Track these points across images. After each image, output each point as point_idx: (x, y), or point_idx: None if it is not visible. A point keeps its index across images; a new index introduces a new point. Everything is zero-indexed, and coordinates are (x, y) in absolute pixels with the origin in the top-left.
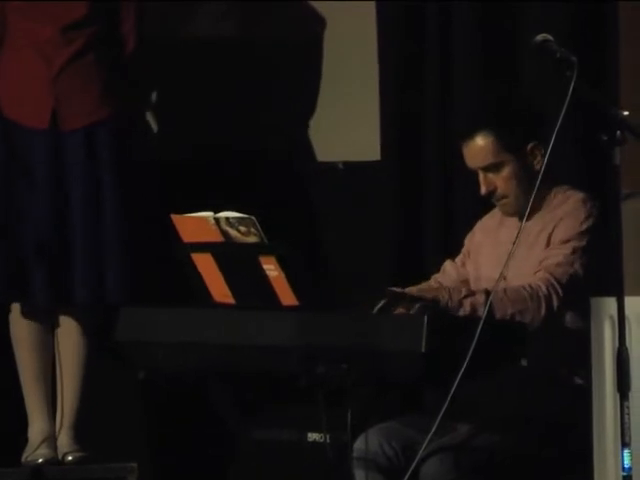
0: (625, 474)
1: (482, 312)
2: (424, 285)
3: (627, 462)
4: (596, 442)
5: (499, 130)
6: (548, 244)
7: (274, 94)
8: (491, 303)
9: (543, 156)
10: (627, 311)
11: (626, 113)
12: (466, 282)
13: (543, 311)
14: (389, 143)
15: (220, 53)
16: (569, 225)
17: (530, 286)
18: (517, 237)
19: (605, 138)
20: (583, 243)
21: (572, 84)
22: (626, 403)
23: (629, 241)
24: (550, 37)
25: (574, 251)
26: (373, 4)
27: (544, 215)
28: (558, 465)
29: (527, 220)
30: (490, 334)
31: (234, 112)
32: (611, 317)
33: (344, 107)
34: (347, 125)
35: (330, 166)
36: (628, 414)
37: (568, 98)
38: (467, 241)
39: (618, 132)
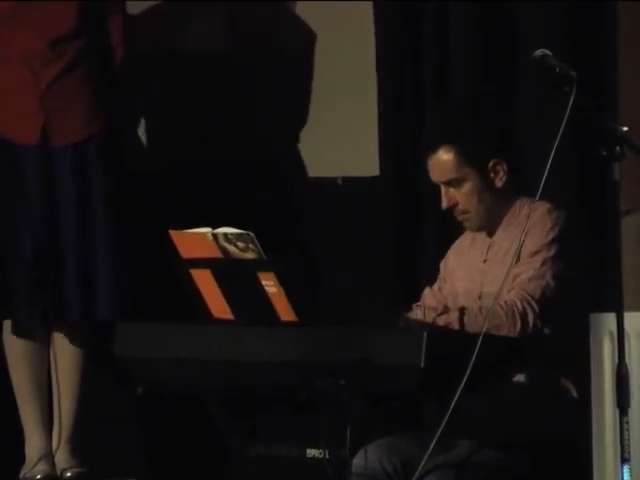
0: None
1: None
2: None
3: (627, 478)
4: (596, 458)
5: (461, 145)
6: (519, 258)
7: (268, 106)
8: (465, 320)
9: (506, 172)
10: (627, 327)
11: (625, 129)
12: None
13: (518, 328)
14: (388, 158)
15: (212, 65)
16: (536, 235)
17: (505, 303)
18: (487, 253)
19: (604, 153)
20: (552, 253)
21: (571, 99)
22: (626, 419)
23: (628, 257)
24: (549, 52)
25: (544, 262)
26: (370, 4)
27: (512, 229)
28: None
29: (494, 234)
30: (488, 349)
31: (231, 125)
32: (611, 333)
33: (343, 122)
34: (346, 140)
35: (329, 181)
36: (628, 430)
37: (567, 113)
38: (442, 266)
39: (617, 147)
